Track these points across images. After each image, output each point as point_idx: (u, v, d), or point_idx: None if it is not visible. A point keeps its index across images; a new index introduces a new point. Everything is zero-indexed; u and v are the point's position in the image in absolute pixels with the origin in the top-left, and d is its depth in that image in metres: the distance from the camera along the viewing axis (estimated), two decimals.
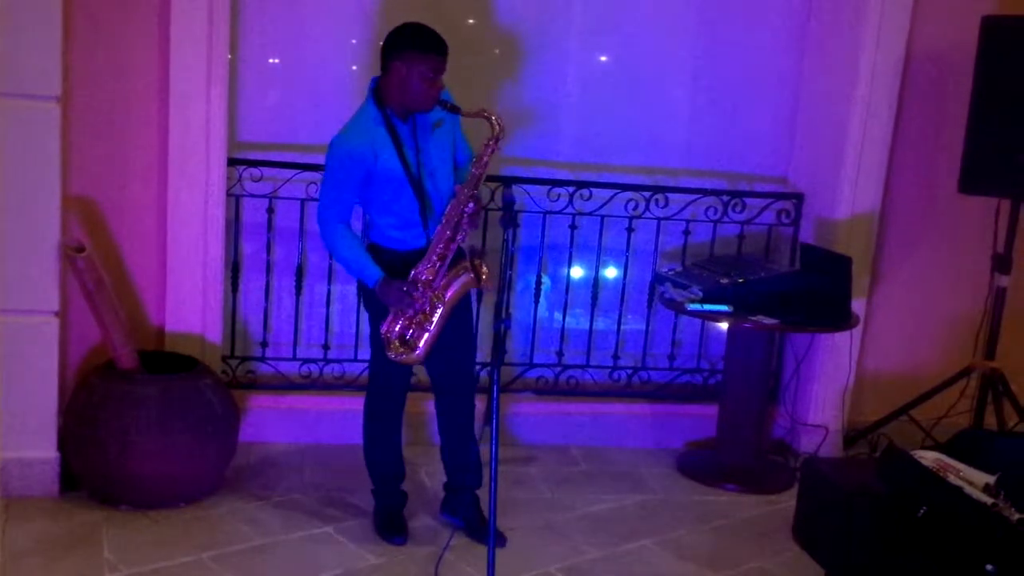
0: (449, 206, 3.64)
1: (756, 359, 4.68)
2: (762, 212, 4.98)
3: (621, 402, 4.98)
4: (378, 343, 3.81)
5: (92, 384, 4.00)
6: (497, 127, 3.58)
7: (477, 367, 4.50)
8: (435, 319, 3.64)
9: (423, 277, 3.62)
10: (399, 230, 3.70)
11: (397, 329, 3.67)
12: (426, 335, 3.66)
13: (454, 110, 3.61)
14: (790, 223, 5.01)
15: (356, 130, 3.66)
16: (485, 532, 3.79)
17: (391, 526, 3.91)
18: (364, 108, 3.70)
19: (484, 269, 3.62)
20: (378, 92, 3.67)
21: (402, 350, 3.68)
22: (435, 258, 3.63)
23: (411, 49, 3.57)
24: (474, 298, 4.08)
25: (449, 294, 3.64)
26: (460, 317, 3.80)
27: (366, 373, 4.71)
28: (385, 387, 3.89)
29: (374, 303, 3.77)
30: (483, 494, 3.89)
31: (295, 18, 4.57)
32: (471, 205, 3.60)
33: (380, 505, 3.98)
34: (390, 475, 3.98)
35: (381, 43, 3.67)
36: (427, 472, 4.48)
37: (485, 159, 3.61)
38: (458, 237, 3.64)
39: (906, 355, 5.11)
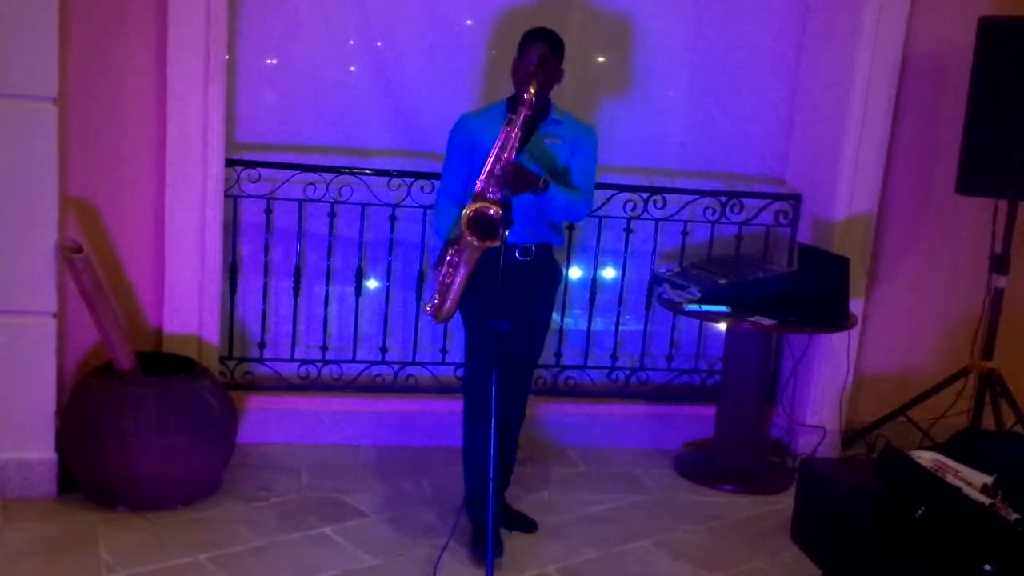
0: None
1: (754, 360, 4.68)
2: (760, 213, 4.98)
3: (619, 403, 4.98)
4: (470, 353, 3.85)
5: (90, 385, 4.00)
6: (531, 91, 3.61)
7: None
8: (457, 275, 3.67)
9: (455, 237, 3.70)
10: None
11: (437, 287, 3.74)
12: (449, 292, 3.70)
13: (525, 104, 3.61)
14: (788, 224, 5.02)
15: (477, 110, 3.89)
16: (517, 522, 3.97)
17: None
18: (499, 101, 3.85)
19: (494, 213, 3.54)
20: (514, 95, 3.78)
21: (430, 307, 3.75)
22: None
23: (520, 42, 3.79)
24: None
25: (463, 256, 3.65)
26: (530, 313, 3.79)
27: (364, 374, 4.75)
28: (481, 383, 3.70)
29: (466, 309, 3.79)
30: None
31: (292, 19, 4.57)
32: (497, 167, 3.57)
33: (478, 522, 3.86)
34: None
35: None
36: (425, 472, 4.48)
37: (513, 116, 3.60)
38: (487, 194, 3.61)
39: (904, 355, 5.12)
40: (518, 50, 3.77)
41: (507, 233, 3.52)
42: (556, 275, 3.97)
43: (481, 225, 3.53)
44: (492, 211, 3.52)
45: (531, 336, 3.88)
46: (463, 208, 3.63)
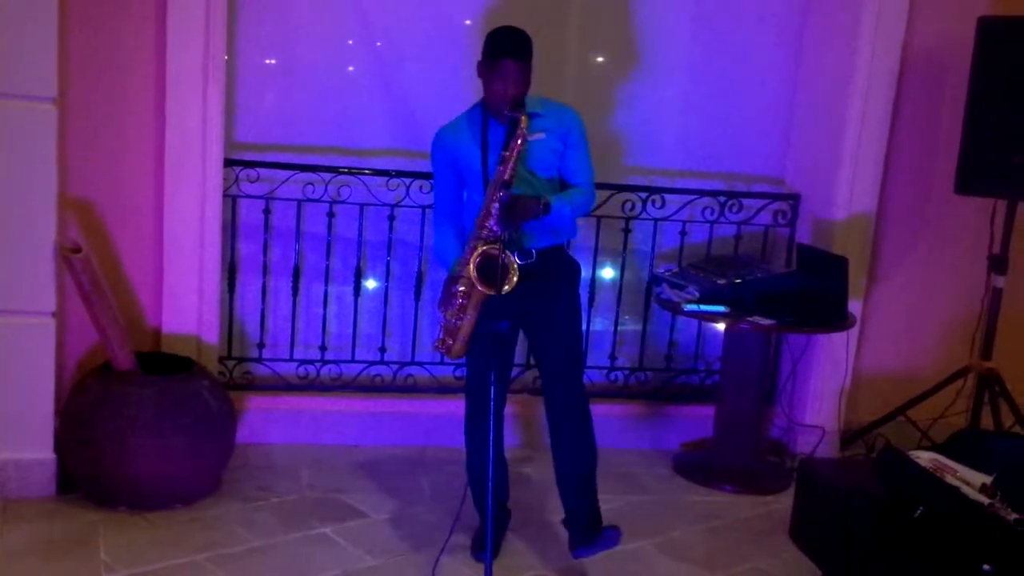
0: (482, 207, 3.60)
1: (753, 360, 4.68)
2: (759, 213, 4.98)
3: (618, 403, 4.98)
4: (470, 355, 3.75)
5: (89, 385, 4.00)
6: (523, 124, 3.52)
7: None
8: (463, 320, 3.60)
9: (460, 274, 3.59)
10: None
11: (442, 324, 3.66)
12: (459, 333, 3.62)
13: (516, 108, 3.53)
14: (787, 224, 5.02)
15: (451, 122, 3.76)
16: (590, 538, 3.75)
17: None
18: (470, 108, 3.76)
19: (512, 267, 3.50)
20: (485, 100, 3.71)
21: (441, 345, 3.68)
22: (469, 255, 3.59)
23: (486, 51, 3.63)
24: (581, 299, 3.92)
25: (472, 295, 3.57)
26: (547, 312, 3.71)
27: (363, 374, 4.75)
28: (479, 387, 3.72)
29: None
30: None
31: (292, 19, 4.57)
32: (494, 206, 3.51)
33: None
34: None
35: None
36: (424, 472, 4.48)
37: (507, 155, 3.49)
38: (487, 235, 3.53)
39: (903, 355, 5.12)
40: (488, 61, 3.57)
41: (515, 278, 3.50)
42: (570, 270, 3.82)
43: (489, 269, 3.48)
44: (502, 257, 3.47)
45: (557, 334, 3.75)
46: (460, 227, 3.65)
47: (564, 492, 3.81)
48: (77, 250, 3.91)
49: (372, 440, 4.73)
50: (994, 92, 4.41)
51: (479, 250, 3.52)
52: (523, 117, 3.49)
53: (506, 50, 3.59)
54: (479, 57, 3.63)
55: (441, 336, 3.67)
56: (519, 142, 3.47)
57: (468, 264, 3.53)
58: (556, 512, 4.24)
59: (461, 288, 3.57)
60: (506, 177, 3.46)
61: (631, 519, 4.24)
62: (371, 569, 3.71)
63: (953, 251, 5.04)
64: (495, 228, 3.50)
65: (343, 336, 4.79)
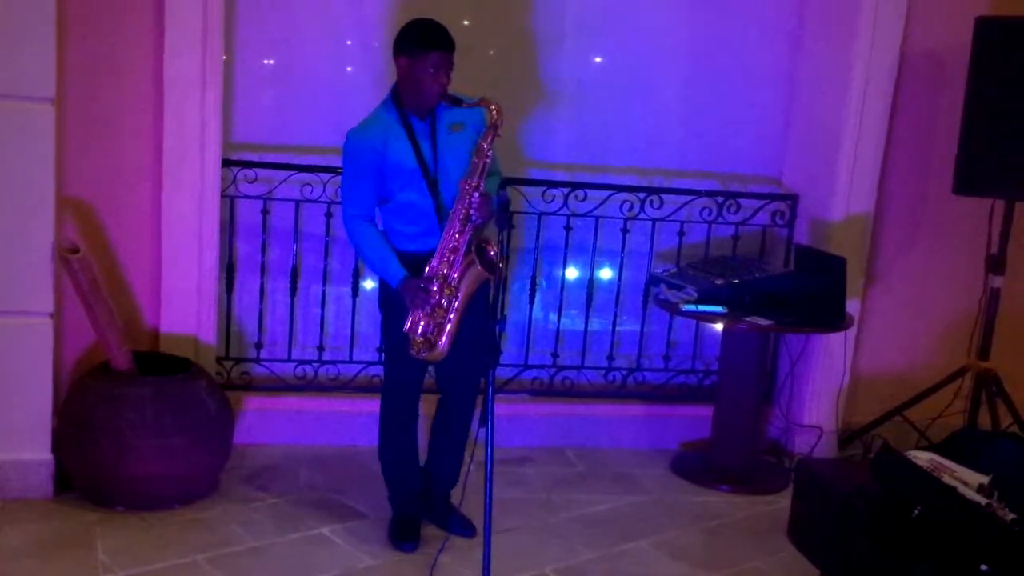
0: (456, 199, 3.62)
1: (751, 360, 4.68)
2: (757, 213, 4.99)
3: (616, 403, 4.98)
4: (391, 346, 3.81)
5: (87, 385, 3.99)
6: (494, 115, 3.57)
7: None
8: (451, 313, 3.62)
9: (437, 272, 3.60)
10: (414, 225, 3.68)
11: (419, 328, 3.63)
12: (445, 330, 3.63)
13: (454, 101, 3.59)
14: (784, 224, 5.02)
15: (367, 123, 3.68)
16: (454, 522, 3.96)
17: (402, 533, 3.88)
18: (380, 105, 3.71)
19: (494, 254, 3.59)
20: (396, 93, 3.67)
21: (423, 347, 3.65)
22: (447, 252, 3.60)
23: (413, 45, 3.58)
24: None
25: (462, 287, 3.61)
26: (471, 320, 3.73)
27: (361, 374, 4.75)
28: (399, 390, 3.87)
29: (388, 305, 3.77)
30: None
31: (290, 19, 4.57)
32: (475, 196, 3.56)
33: (395, 512, 3.98)
34: (403, 482, 3.96)
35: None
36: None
37: (485, 147, 3.57)
38: (467, 229, 3.60)
39: (900, 356, 5.12)
40: (416, 54, 3.53)
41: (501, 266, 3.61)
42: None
43: (483, 260, 3.58)
44: (492, 252, 3.56)
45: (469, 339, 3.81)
46: (377, 228, 3.69)
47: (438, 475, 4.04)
48: (75, 250, 3.91)
49: (370, 440, 4.70)
50: (992, 92, 4.41)
51: (472, 242, 3.59)
52: (494, 107, 3.56)
53: (437, 42, 3.57)
54: (395, 52, 3.61)
55: (419, 339, 3.63)
56: (496, 133, 3.56)
57: (442, 259, 3.59)
58: (556, 512, 4.25)
59: (448, 288, 3.60)
60: (482, 170, 3.57)
61: (629, 519, 4.25)
62: (369, 569, 3.71)
63: (951, 251, 5.04)
64: (477, 219, 3.58)
65: (341, 336, 4.79)
